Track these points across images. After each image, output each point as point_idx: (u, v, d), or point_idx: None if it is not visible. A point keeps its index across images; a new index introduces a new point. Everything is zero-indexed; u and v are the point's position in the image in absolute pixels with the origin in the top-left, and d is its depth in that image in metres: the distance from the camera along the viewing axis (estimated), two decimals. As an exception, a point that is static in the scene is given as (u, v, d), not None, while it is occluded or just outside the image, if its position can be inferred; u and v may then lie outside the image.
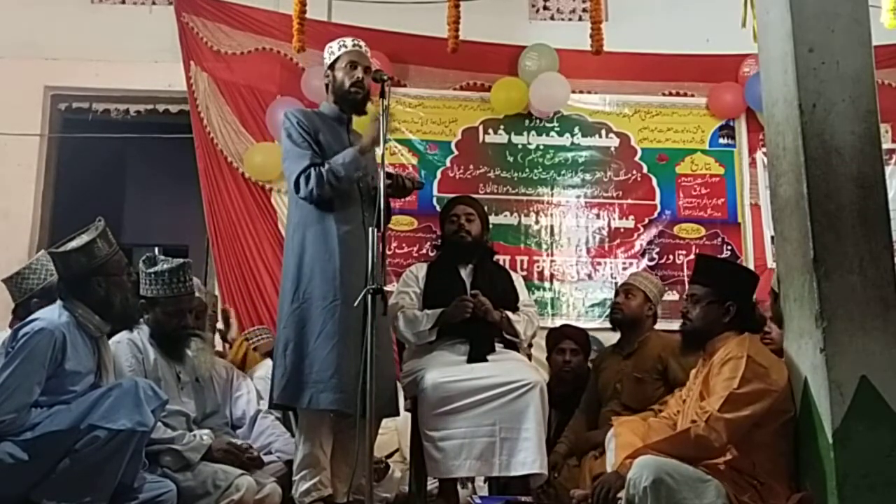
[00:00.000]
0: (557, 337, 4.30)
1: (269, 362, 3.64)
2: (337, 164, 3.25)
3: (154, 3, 5.67)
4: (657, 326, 4.18)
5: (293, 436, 3.40)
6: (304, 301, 3.25)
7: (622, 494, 2.69)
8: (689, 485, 2.62)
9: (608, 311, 4.35)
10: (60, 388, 2.80)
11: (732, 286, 3.00)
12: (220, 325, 4.36)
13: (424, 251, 5.08)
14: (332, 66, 3.45)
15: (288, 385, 3.19)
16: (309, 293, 3.25)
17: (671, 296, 5.13)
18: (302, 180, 3.26)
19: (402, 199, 4.92)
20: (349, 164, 3.25)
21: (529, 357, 3.84)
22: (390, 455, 3.93)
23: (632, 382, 3.75)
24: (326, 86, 3.50)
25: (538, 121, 5.43)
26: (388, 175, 3.14)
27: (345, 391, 3.10)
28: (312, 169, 3.25)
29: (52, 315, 2.88)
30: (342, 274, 3.22)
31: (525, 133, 5.40)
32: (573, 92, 5.47)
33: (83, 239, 2.95)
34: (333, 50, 3.45)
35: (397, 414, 3.51)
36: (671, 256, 5.30)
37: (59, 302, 2.95)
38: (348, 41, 3.48)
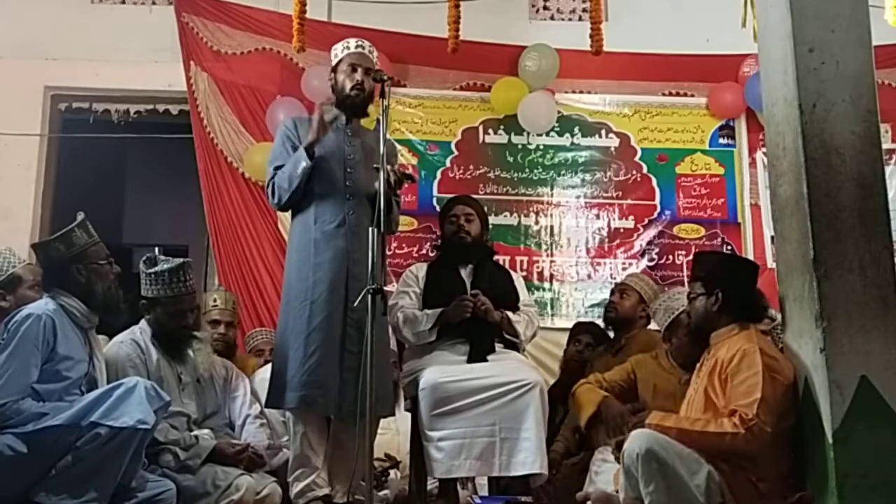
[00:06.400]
0: (579, 329, 4.34)
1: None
2: (283, 168, 3.33)
3: (154, 3, 5.66)
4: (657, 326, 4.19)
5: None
6: (287, 303, 3.34)
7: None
8: (682, 460, 2.66)
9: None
10: (56, 374, 2.84)
11: (720, 274, 3.03)
12: None
13: (424, 251, 5.07)
14: (335, 69, 3.49)
15: (271, 387, 3.28)
16: (289, 293, 3.33)
17: (671, 296, 5.13)
18: (268, 192, 3.41)
19: (401, 198, 4.97)
20: (291, 162, 3.31)
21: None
22: (394, 465, 3.92)
23: None
24: (332, 88, 3.54)
25: (538, 121, 5.42)
26: (376, 170, 3.14)
27: (311, 389, 3.14)
28: (272, 180, 3.37)
29: (38, 304, 2.95)
30: (315, 273, 3.26)
31: (525, 133, 5.39)
32: (573, 92, 5.48)
33: (63, 231, 3.03)
34: (337, 53, 3.50)
35: (392, 414, 3.53)
36: (671, 257, 5.30)
37: (45, 294, 3.01)
38: (352, 43, 3.51)
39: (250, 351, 4.42)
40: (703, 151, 5.45)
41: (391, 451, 3.96)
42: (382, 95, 3.17)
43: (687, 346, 3.26)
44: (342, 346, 3.20)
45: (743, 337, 2.89)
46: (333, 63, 3.50)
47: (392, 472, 3.85)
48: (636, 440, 2.69)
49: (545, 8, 6.01)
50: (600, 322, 4.33)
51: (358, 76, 3.42)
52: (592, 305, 5.18)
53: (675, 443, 2.68)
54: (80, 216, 3.08)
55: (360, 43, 3.52)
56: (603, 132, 5.46)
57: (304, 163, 3.26)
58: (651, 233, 5.33)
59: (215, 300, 4.15)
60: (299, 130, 3.44)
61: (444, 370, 3.43)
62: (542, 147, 5.41)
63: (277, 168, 3.37)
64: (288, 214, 3.61)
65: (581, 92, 5.49)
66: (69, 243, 3.00)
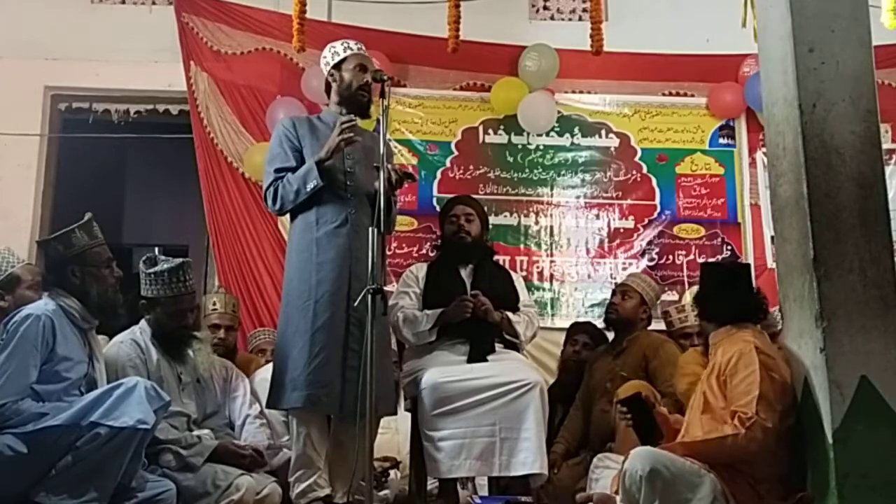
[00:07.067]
0: (575, 330, 4.34)
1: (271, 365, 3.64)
2: (290, 177, 3.30)
3: (154, 3, 5.67)
4: (658, 327, 4.19)
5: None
6: (288, 303, 3.31)
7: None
8: (684, 479, 2.64)
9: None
10: (55, 375, 2.83)
11: (701, 284, 3.17)
12: None
13: (424, 251, 5.07)
14: (337, 67, 3.44)
15: (273, 386, 3.25)
16: (290, 293, 3.30)
17: (671, 296, 5.13)
18: (268, 196, 3.35)
19: (401, 198, 4.98)
20: (300, 177, 3.27)
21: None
22: (394, 465, 3.92)
23: (619, 381, 3.75)
24: (328, 85, 3.50)
25: (538, 121, 5.42)
26: (377, 168, 3.13)
27: (316, 388, 3.12)
28: (273, 185, 3.32)
29: (38, 305, 2.94)
30: (318, 273, 3.24)
31: (525, 133, 5.39)
32: (573, 92, 5.48)
33: (63, 230, 3.02)
34: (338, 51, 3.45)
35: (394, 413, 3.52)
36: (671, 257, 5.30)
37: (45, 294, 3.01)
38: (352, 44, 3.49)
39: (252, 350, 4.42)
40: (703, 151, 5.45)
41: (391, 452, 3.96)
42: (382, 95, 3.16)
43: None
44: (345, 345, 3.18)
45: (739, 337, 2.90)
46: (333, 60, 3.44)
47: (392, 472, 3.85)
48: (639, 460, 2.67)
49: (545, 8, 6.01)
50: (600, 322, 4.32)
51: (367, 77, 3.39)
52: (592, 305, 5.19)
53: (676, 459, 2.67)
54: (87, 216, 3.06)
55: (360, 45, 3.50)
56: (603, 132, 5.46)
57: (315, 182, 3.22)
58: (651, 233, 5.33)
59: (215, 304, 4.12)
60: (298, 130, 3.41)
61: (444, 370, 3.43)
62: (542, 147, 5.41)
63: (278, 171, 3.33)
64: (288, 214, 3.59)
65: (581, 92, 5.49)
66: (67, 244, 3.00)
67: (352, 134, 3.23)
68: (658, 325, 4.30)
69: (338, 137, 3.23)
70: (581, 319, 4.74)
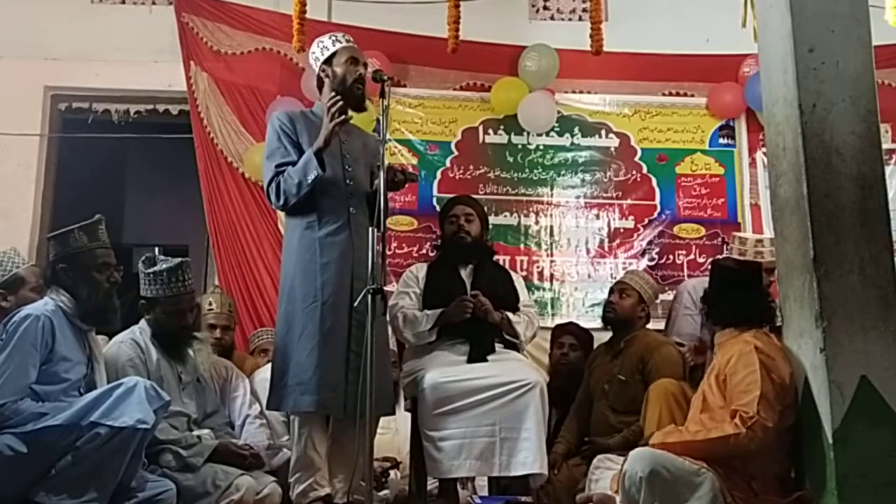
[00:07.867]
0: (559, 332, 4.33)
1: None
2: (290, 171, 3.25)
3: (154, 3, 5.66)
4: (657, 326, 4.18)
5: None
6: (290, 304, 3.26)
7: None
8: (684, 479, 2.65)
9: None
10: (55, 375, 2.83)
11: (709, 288, 3.20)
12: None
13: (424, 251, 5.07)
14: (328, 62, 3.39)
15: (275, 389, 3.21)
16: (293, 295, 3.26)
17: (670, 295, 5.12)
18: (271, 192, 3.29)
19: (401, 198, 4.99)
20: (300, 169, 3.22)
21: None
22: (394, 465, 3.92)
23: (617, 384, 3.75)
24: (320, 81, 3.44)
25: (538, 121, 5.41)
26: (377, 168, 3.11)
27: (326, 392, 3.10)
28: (274, 180, 3.27)
29: (37, 305, 2.94)
30: (322, 274, 3.21)
31: (525, 133, 5.39)
32: (573, 92, 5.48)
33: (64, 229, 3.02)
34: (327, 45, 3.40)
35: (393, 413, 3.51)
36: (671, 256, 5.30)
37: (46, 294, 3.02)
38: (340, 36, 3.44)
39: (254, 350, 4.41)
40: (703, 151, 5.45)
41: (391, 452, 3.96)
42: (382, 95, 3.15)
43: None
44: (347, 347, 3.17)
45: (740, 339, 2.91)
46: (323, 56, 3.39)
47: (392, 472, 3.85)
48: (638, 462, 2.68)
49: (545, 8, 6.01)
50: (598, 322, 4.31)
51: (360, 70, 3.36)
52: (593, 305, 5.18)
53: (676, 459, 2.68)
54: (96, 217, 3.06)
55: (348, 36, 3.46)
56: (603, 132, 5.45)
57: (316, 172, 3.17)
58: (651, 233, 5.33)
59: (210, 304, 4.10)
60: (296, 125, 3.36)
61: (444, 370, 3.43)
62: (542, 147, 5.41)
63: (279, 166, 3.28)
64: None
65: (581, 92, 5.49)
66: (64, 243, 3.00)
67: (342, 113, 3.19)
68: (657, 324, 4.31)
69: (331, 123, 3.20)
70: (563, 321, 4.71)
